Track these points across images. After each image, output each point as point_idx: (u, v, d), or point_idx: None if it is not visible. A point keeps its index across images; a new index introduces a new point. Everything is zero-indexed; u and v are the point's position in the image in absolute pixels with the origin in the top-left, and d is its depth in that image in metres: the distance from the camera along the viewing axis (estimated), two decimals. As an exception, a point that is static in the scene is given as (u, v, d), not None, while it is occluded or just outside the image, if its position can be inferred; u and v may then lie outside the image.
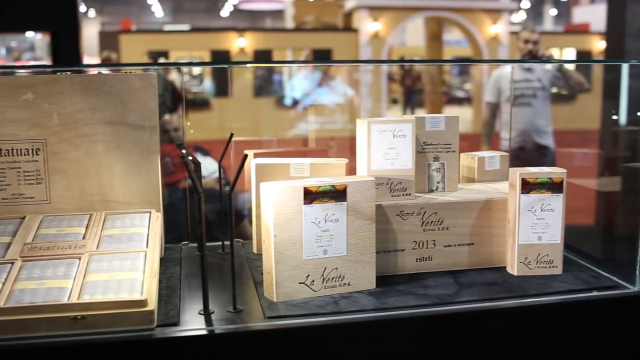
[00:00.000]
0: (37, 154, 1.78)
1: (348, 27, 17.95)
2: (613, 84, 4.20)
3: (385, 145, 1.73)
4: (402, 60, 15.26)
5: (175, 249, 2.00)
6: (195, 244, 2.04)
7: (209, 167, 3.89)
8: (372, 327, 1.49)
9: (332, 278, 1.60)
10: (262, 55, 17.29)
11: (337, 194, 1.58)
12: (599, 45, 18.30)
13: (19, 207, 1.78)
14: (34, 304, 1.32)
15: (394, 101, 20.16)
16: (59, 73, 1.79)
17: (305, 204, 1.54)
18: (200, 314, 1.49)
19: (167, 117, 4.80)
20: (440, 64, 25.97)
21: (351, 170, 1.85)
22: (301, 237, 1.55)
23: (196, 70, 17.73)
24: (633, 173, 2.71)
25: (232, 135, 1.93)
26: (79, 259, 1.52)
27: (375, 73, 16.31)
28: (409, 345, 1.51)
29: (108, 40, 17.62)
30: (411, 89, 18.36)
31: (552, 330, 1.59)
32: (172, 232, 2.20)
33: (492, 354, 1.57)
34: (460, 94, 22.56)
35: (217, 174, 2.31)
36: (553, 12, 31.16)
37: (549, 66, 5.18)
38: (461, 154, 2.03)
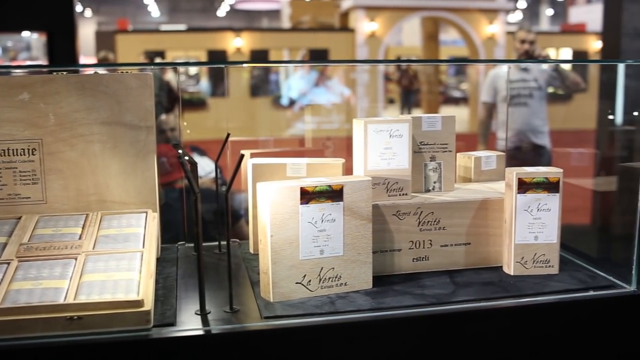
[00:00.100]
0: (33, 154, 1.77)
1: (345, 27, 17.96)
2: (609, 83, 4.21)
3: (382, 145, 1.73)
4: (398, 60, 15.25)
5: (171, 249, 2.00)
6: (192, 244, 2.04)
7: (205, 167, 3.89)
8: (368, 327, 1.49)
9: (329, 278, 1.60)
10: (259, 55, 17.29)
11: (333, 194, 1.58)
12: (595, 45, 18.33)
13: (15, 207, 1.78)
14: (30, 305, 1.32)
15: (391, 101, 20.18)
16: (55, 73, 1.78)
17: (301, 204, 1.54)
18: (196, 314, 1.49)
19: (163, 117, 4.79)
20: (437, 64, 25.99)
21: (348, 170, 1.84)
22: (298, 237, 1.55)
23: (193, 70, 17.71)
24: (629, 173, 2.72)
25: (228, 135, 1.93)
26: (75, 259, 1.52)
27: (372, 73, 16.33)
28: (405, 345, 1.51)
29: (104, 40, 17.59)
30: (408, 89, 18.38)
31: (548, 329, 1.59)
32: (169, 232, 2.20)
33: (489, 353, 1.57)
34: (456, 93, 22.59)
35: (213, 174, 2.31)
36: (549, 12, 31.22)
37: (545, 66, 5.19)
38: (458, 154, 2.03)
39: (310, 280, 1.58)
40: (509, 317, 1.58)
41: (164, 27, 26.76)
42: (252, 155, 1.93)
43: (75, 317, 1.32)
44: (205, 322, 1.46)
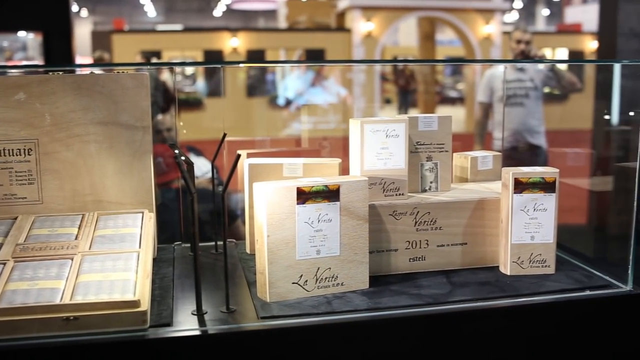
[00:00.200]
0: (29, 154, 1.77)
1: (341, 27, 17.96)
2: (605, 83, 4.22)
3: (378, 145, 1.73)
4: (394, 60, 15.28)
5: (168, 249, 1.99)
6: (188, 244, 2.04)
7: (202, 167, 3.88)
8: (365, 327, 1.49)
9: (326, 278, 1.60)
10: (255, 55, 17.28)
11: (330, 194, 1.58)
12: (591, 45, 18.37)
13: (11, 207, 1.78)
14: (26, 305, 1.32)
15: (387, 101, 20.18)
16: (51, 73, 1.78)
17: (298, 204, 1.54)
18: (193, 314, 1.49)
19: (159, 117, 4.79)
20: (433, 63, 26.02)
21: (344, 170, 1.85)
22: (294, 237, 1.55)
23: (189, 70, 17.70)
24: (625, 172, 2.72)
25: (225, 135, 1.93)
26: (72, 259, 1.51)
27: (368, 73, 16.33)
28: (402, 345, 1.51)
29: (100, 40, 17.57)
30: (405, 89, 18.39)
31: (544, 329, 1.59)
32: (165, 233, 2.20)
33: (486, 353, 1.57)
34: (453, 93, 22.61)
35: (210, 174, 2.31)
36: (545, 12, 31.26)
37: (541, 66, 5.20)
38: (454, 154, 2.03)
39: (306, 281, 1.58)
40: (505, 317, 1.59)
41: (160, 27, 26.75)
42: (249, 155, 1.93)
43: (72, 318, 1.31)
44: (201, 322, 1.46)
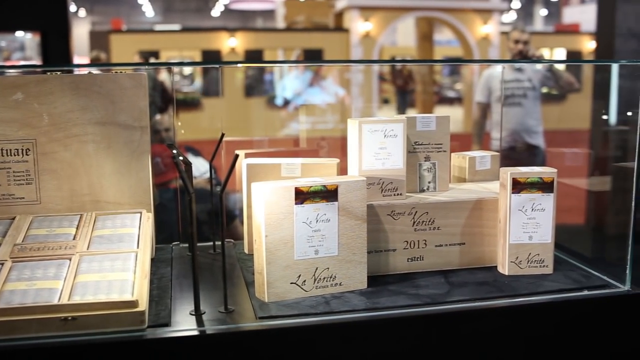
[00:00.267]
0: (27, 154, 1.77)
1: (339, 27, 17.95)
2: (603, 84, 4.22)
3: (377, 145, 1.73)
4: (393, 60, 15.27)
5: (166, 250, 1.99)
6: (186, 245, 2.04)
7: (200, 167, 3.88)
8: (363, 327, 1.49)
9: (324, 278, 1.60)
10: (253, 55, 17.26)
11: (328, 194, 1.58)
12: (589, 45, 18.38)
13: (9, 207, 1.78)
14: (24, 305, 1.32)
15: (385, 101, 20.18)
16: (49, 73, 1.78)
17: (296, 204, 1.54)
18: (191, 314, 1.49)
19: (158, 117, 4.79)
20: (431, 64, 26.02)
21: (342, 170, 1.85)
22: (292, 237, 1.55)
23: (187, 70, 17.68)
24: (623, 172, 2.73)
25: (223, 135, 1.93)
26: (70, 259, 1.51)
27: (367, 73, 16.33)
28: (400, 345, 1.51)
29: (98, 40, 17.53)
30: (403, 89, 18.39)
31: (543, 329, 1.59)
32: (163, 233, 2.20)
33: (484, 353, 1.57)
34: (451, 94, 22.60)
35: (208, 174, 2.31)
36: (543, 12, 31.28)
37: (539, 66, 5.20)
38: (452, 154, 2.04)
39: (305, 281, 1.58)
40: (503, 317, 1.59)
41: (158, 27, 26.70)
42: (247, 155, 1.93)
43: (70, 318, 1.31)
44: (200, 322, 1.46)
